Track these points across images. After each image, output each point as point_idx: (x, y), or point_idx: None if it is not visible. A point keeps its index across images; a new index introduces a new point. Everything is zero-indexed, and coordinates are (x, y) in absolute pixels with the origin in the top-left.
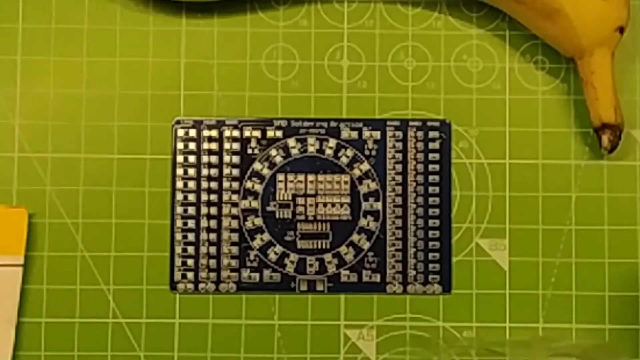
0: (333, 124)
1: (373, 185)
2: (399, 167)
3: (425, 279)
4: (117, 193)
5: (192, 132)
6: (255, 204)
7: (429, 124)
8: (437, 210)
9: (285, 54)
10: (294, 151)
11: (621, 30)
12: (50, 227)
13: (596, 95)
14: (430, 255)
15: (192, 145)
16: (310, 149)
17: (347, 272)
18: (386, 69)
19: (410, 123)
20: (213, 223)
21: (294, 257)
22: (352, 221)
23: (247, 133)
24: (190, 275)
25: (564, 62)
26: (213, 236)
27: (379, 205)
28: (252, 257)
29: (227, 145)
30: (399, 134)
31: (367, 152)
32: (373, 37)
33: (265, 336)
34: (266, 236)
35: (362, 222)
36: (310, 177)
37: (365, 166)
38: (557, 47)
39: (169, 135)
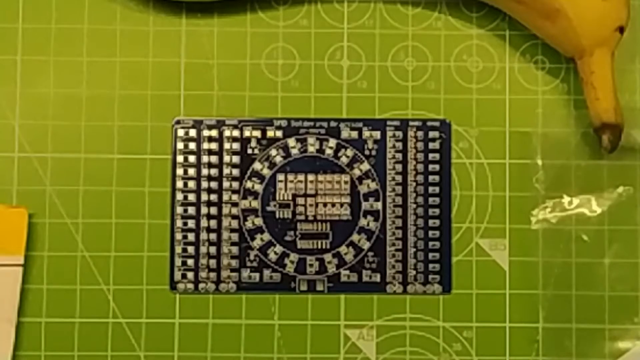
0: (333, 124)
1: (373, 185)
2: (399, 167)
3: (425, 279)
4: (117, 193)
5: (192, 132)
6: (255, 204)
7: (429, 124)
8: (437, 210)
9: (285, 54)
10: (294, 151)
11: (621, 30)
12: (50, 227)
13: (596, 95)
14: (430, 255)
15: (192, 145)
16: (310, 149)
17: (347, 272)
18: (386, 69)
19: (410, 123)
20: (213, 223)
21: (294, 257)
22: (352, 221)
23: (247, 133)
24: (190, 275)
25: (564, 62)
26: (213, 236)
27: (379, 205)
28: (252, 257)
29: (227, 145)
30: (399, 134)
31: (367, 152)
32: (373, 37)
33: (265, 336)
34: (266, 236)
35: (362, 222)
36: (310, 177)
37: (365, 166)
38: (557, 47)
39: (169, 135)
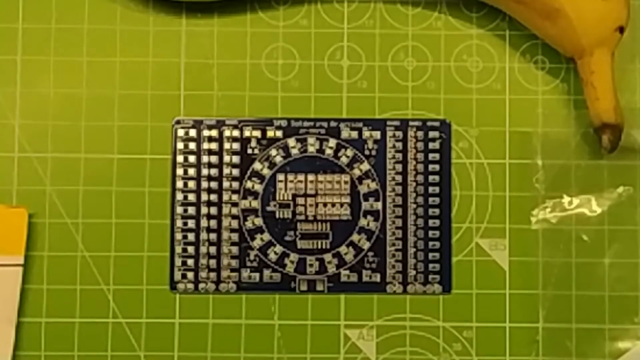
0: (333, 124)
1: (373, 185)
2: (399, 167)
3: (425, 279)
4: (117, 193)
5: (192, 132)
6: (255, 204)
7: (429, 124)
8: (437, 210)
9: (285, 54)
10: (294, 151)
11: (621, 30)
12: (50, 227)
13: (596, 95)
14: (430, 255)
15: (192, 145)
16: (310, 149)
17: (347, 272)
18: (386, 69)
19: (410, 123)
20: (213, 223)
21: (294, 257)
22: (352, 221)
23: (247, 133)
24: (190, 275)
25: (564, 62)
26: (213, 236)
27: (379, 205)
28: (252, 257)
29: (227, 145)
30: (399, 134)
31: (367, 152)
32: (373, 37)
33: (265, 336)
34: (266, 236)
35: (362, 222)
36: (310, 177)
37: (365, 166)
38: (557, 47)
39: (169, 135)
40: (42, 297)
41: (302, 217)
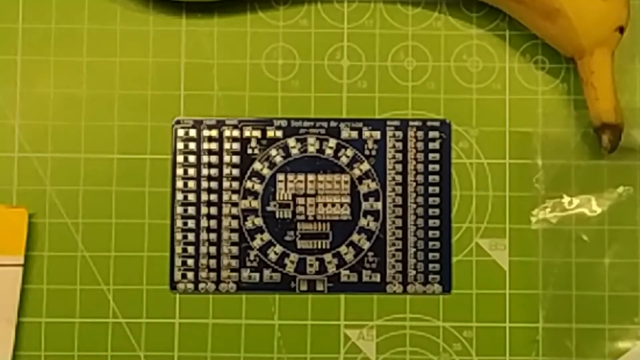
0: (333, 124)
1: (373, 185)
2: (399, 167)
3: (425, 279)
4: (117, 193)
5: (192, 132)
6: (255, 204)
7: (429, 124)
8: (437, 210)
9: (285, 54)
10: (294, 151)
11: (621, 30)
12: (50, 227)
13: (596, 95)
14: (430, 255)
15: (192, 145)
16: (310, 149)
17: (347, 272)
18: (386, 69)
19: (410, 123)
20: (213, 223)
21: (294, 257)
22: (352, 221)
23: (247, 133)
24: (190, 275)
25: (564, 62)
26: (213, 236)
27: (379, 205)
28: (252, 257)
29: (227, 145)
30: (399, 134)
31: (367, 152)
32: (373, 37)
33: (265, 336)
34: (266, 236)
35: (362, 222)
36: (310, 177)
37: (365, 166)
38: (557, 47)
39: (169, 135)
40: (42, 297)
41: (302, 217)
